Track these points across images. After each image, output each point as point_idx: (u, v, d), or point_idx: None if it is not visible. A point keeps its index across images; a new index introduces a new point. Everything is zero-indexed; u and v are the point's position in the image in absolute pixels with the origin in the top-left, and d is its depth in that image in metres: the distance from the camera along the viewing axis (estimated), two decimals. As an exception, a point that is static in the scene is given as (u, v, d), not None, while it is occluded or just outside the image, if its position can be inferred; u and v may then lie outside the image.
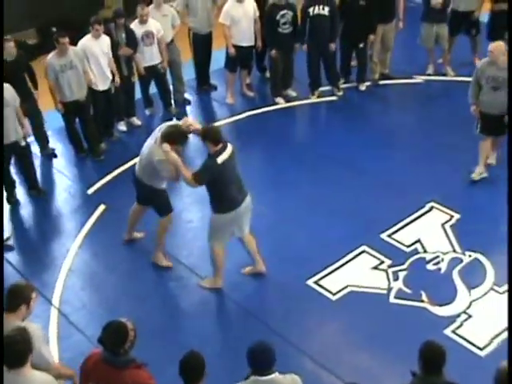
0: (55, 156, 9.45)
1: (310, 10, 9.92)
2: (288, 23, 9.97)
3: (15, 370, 4.21)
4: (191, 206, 8.44)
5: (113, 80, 9.35)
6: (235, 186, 6.58)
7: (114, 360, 4.43)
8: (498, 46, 8.11)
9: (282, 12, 9.91)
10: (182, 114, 10.35)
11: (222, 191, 6.53)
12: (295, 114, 10.45)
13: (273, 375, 4.47)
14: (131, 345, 4.44)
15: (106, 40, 9.19)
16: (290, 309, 6.87)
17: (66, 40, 8.63)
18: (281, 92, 10.55)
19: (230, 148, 6.48)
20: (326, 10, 9.89)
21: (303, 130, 10.00)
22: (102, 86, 9.26)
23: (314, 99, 10.59)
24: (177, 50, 10.28)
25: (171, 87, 10.45)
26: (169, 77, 10.33)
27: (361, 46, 10.39)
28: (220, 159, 6.37)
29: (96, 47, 9.07)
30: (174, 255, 7.61)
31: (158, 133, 6.74)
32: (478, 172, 8.51)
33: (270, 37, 10.14)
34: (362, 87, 10.82)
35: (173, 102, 10.46)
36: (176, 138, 6.61)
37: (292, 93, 10.66)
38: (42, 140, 9.38)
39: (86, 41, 9.08)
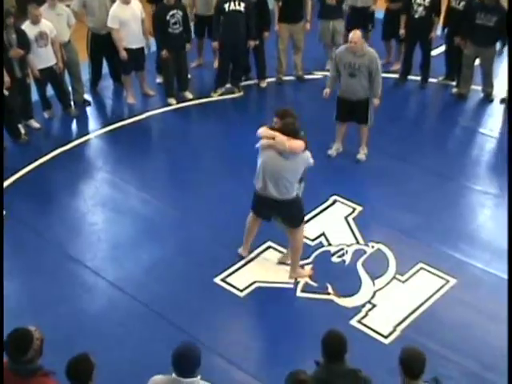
0: None
1: (226, 5, 9.88)
2: (178, 23, 9.84)
3: None
4: (94, 208, 8.30)
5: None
6: None
7: (18, 368, 4.31)
8: (360, 37, 8.50)
9: (171, 12, 9.78)
10: (82, 116, 10.21)
11: None
12: (197, 113, 10.40)
13: (194, 379, 4.36)
14: (36, 354, 4.31)
15: None
16: (198, 307, 6.85)
17: None
18: (173, 92, 10.45)
19: None
20: (241, 6, 9.90)
21: (204, 129, 9.95)
22: None
23: (215, 97, 10.60)
24: (74, 49, 10.06)
25: (70, 88, 10.24)
26: (67, 78, 10.14)
27: (256, 43, 10.39)
28: None
29: None
30: (78, 259, 7.47)
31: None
32: (335, 148, 9.12)
33: (160, 37, 10.01)
34: (263, 84, 10.90)
35: (72, 103, 10.25)
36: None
37: (188, 95, 10.58)
38: None
39: None
